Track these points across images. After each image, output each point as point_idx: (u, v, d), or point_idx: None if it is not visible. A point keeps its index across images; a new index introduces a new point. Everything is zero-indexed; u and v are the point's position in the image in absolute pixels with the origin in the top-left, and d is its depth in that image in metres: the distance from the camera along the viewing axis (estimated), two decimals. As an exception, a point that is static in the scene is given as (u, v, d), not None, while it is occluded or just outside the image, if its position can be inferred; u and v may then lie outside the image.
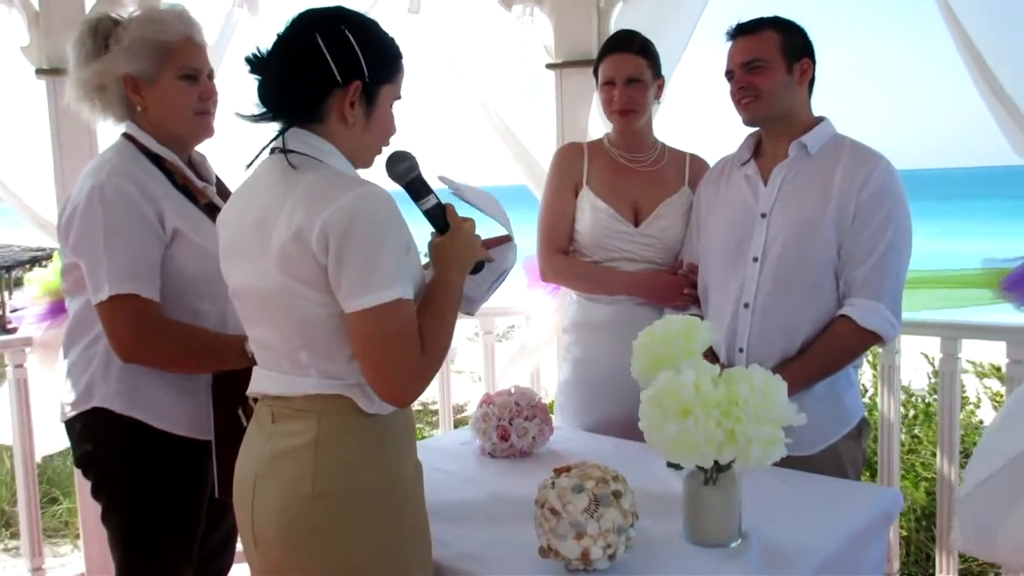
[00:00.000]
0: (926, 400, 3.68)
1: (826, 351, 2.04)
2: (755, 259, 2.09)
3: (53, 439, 2.89)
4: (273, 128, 1.46)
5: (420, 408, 5.96)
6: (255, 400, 1.52)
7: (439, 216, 1.53)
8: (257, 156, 1.48)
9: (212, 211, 1.88)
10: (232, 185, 1.99)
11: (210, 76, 1.92)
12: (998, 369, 3.61)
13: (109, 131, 1.96)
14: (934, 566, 2.75)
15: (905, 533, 3.18)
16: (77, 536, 3.45)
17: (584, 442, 2.25)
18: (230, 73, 2.74)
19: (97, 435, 1.86)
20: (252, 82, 1.46)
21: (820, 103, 2.18)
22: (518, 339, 3.41)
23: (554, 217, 2.50)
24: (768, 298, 2.07)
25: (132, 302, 1.74)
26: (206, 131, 1.92)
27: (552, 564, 1.48)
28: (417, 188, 1.53)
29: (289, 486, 1.41)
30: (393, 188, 1.47)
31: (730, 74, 2.12)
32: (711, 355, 2.11)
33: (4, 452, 4.19)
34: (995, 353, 2.90)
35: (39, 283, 2.88)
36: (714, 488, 1.54)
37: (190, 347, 1.83)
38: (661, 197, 2.41)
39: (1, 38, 2.85)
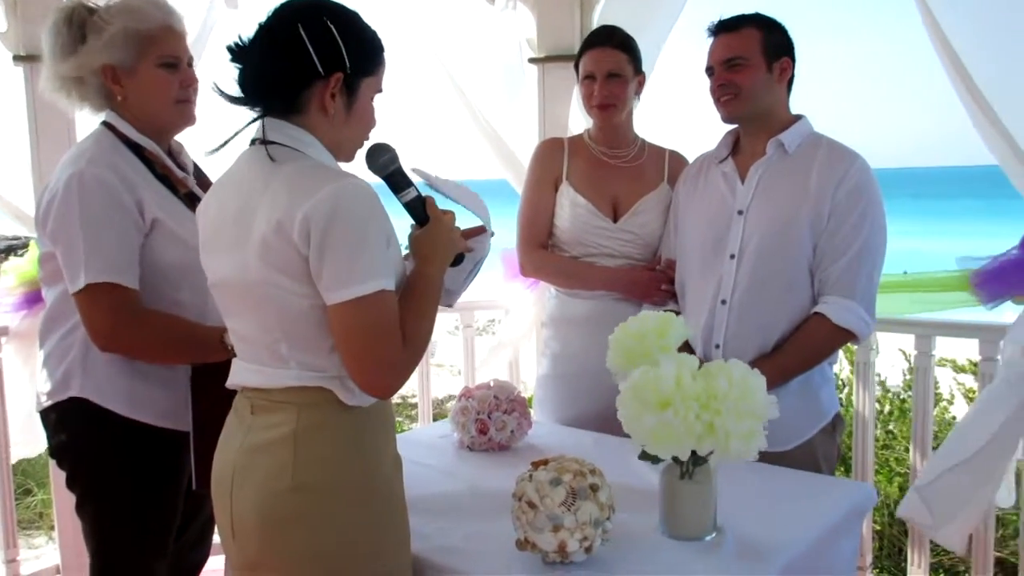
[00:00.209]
0: (901, 396, 3.73)
1: (800, 348, 2.06)
2: (732, 256, 2.11)
3: (27, 441, 2.87)
4: (250, 117, 1.46)
5: (399, 402, 5.95)
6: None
7: (419, 208, 1.53)
8: (226, 142, 1.47)
9: (192, 201, 1.87)
10: (211, 175, 1.99)
11: (189, 63, 1.90)
12: (975, 365, 3.66)
13: (87, 120, 1.94)
14: (906, 560, 2.78)
15: (879, 527, 3.23)
16: (52, 528, 3.42)
17: (562, 436, 2.26)
18: (210, 62, 2.72)
19: (73, 425, 1.85)
20: (233, 71, 1.45)
21: (798, 101, 2.20)
22: (498, 333, 3.42)
23: (534, 212, 2.51)
24: (745, 295, 2.09)
25: (110, 291, 1.73)
26: (187, 119, 1.91)
27: (529, 557, 1.49)
28: (397, 181, 1.53)
29: (268, 478, 1.41)
30: (373, 180, 1.47)
31: (710, 70, 2.13)
32: (688, 350, 2.12)
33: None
34: (970, 350, 2.94)
35: (15, 273, 2.85)
36: (690, 482, 1.56)
37: (168, 337, 1.82)
38: (640, 193, 2.43)
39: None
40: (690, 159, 2.41)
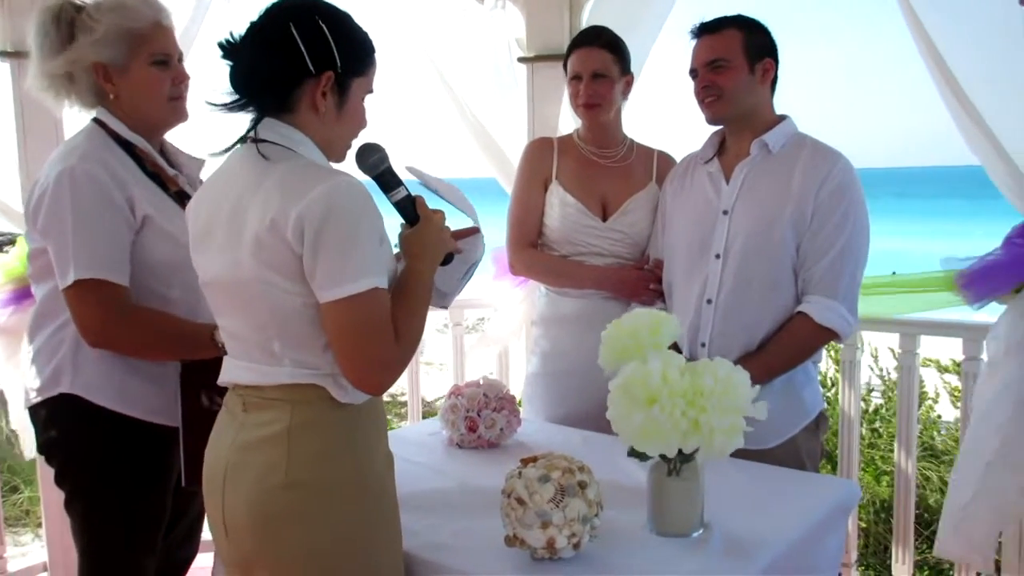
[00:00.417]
0: (887, 395, 3.76)
1: (784, 347, 2.08)
2: (717, 256, 2.13)
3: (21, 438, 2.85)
4: (244, 118, 1.46)
5: (389, 400, 5.95)
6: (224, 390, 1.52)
7: (409, 208, 1.54)
8: (232, 146, 1.48)
9: (182, 199, 1.87)
10: (202, 174, 1.99)
11: (180, 59, 1.91)
12: (958, 365, 3.70)
13: (76, 116, 1.93)
14: (891, 557, 2.81)
15: (864, 524, 3.25)
16: (38, 525, 3.41)
17: (551, 434, 2.27)
18: (200, 58, 2.72)
19: (63, 422, 1.85)
20: (224, 67, 1.45)
21: (783, 102, 2.21)
22: (486, 330, 3.43)
23: (524, 211, 2.51)
24: (730, 294, 2.11)
25: (99, 287, 1.73)
26: (179, 116, 1.91)
27: (518, 553, 1.50)
28: (387, 180, 1.54)
29: (262, 475, 1.41)
30: (364, 180, 1.48)
31: (694, 73, 2.14)
32: (675, 349, 2.14)
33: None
34: (954, 349, 2.97)
35: (2, 269, 2.84)
36: (677, 479, 1.57)
37: (158, 334, 1.82)
38: (629, 193, 2.44)
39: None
40: (678, 159, 2.43)
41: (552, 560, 1.48)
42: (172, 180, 1.90)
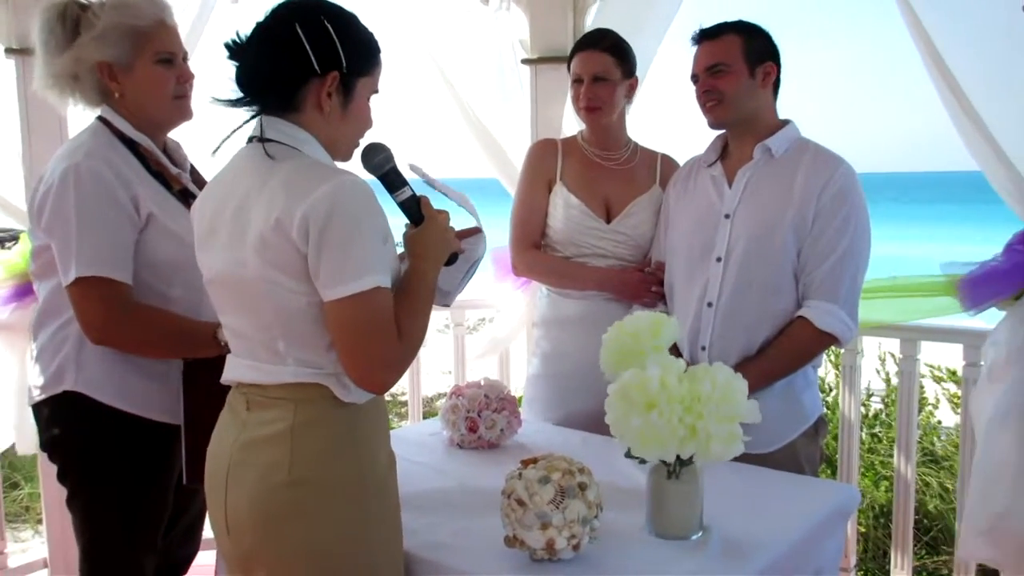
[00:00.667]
0: (886, 400, 3.77)
1: (783, 352, 2.08)
2: (719, 259, 2.13)
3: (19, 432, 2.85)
4: (247, 116, 1.47)
5: (390, 399, 5.95)
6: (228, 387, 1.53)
7: (414, 208, 1.55)
8: (224, 141, 1.48)
9: (186, 198, 1.88)
10: (206, 173, 1.99)
11: (185, 58, 1.91)
12: (954, 373, 3.70)
13: (80, 113, 1.94)
14: (890, 562, 2.81)
15: (863, 529, 3.26)
16: (39, 521, 3.42)
17: (551, 435, 2.27)
18: (205, 57, 2.72)
19: (66, 419, 1.85)
20: (229, 66, 1.46)
21: (787, 105, 2.22)
22: (488, 332, 3.43)
23: (527, 212, 2.52)
24: (730, 298, 2.11)
25: (102, 284, 1.74)
26: (184, 114, 1.92)
27: (517, 554, 1.51)
28: (392, 180, 1.54)
29: (265, 473, 1.42)
30: (369, 179, 1.49)
31: (695, 78, 2.15)
32: (675, 352, 2.14)
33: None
34: (953, 356, 2.97)
35: (3, 265, 2.84)
36: (677, 482, 1.58)
37: (161, 331, 1.82)
38: (632, 195, 2.44)
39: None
40: (682, 162, 2.43)
41: (551, 561, 1.49)
42: (175, 179, 1.91)
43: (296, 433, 1.42)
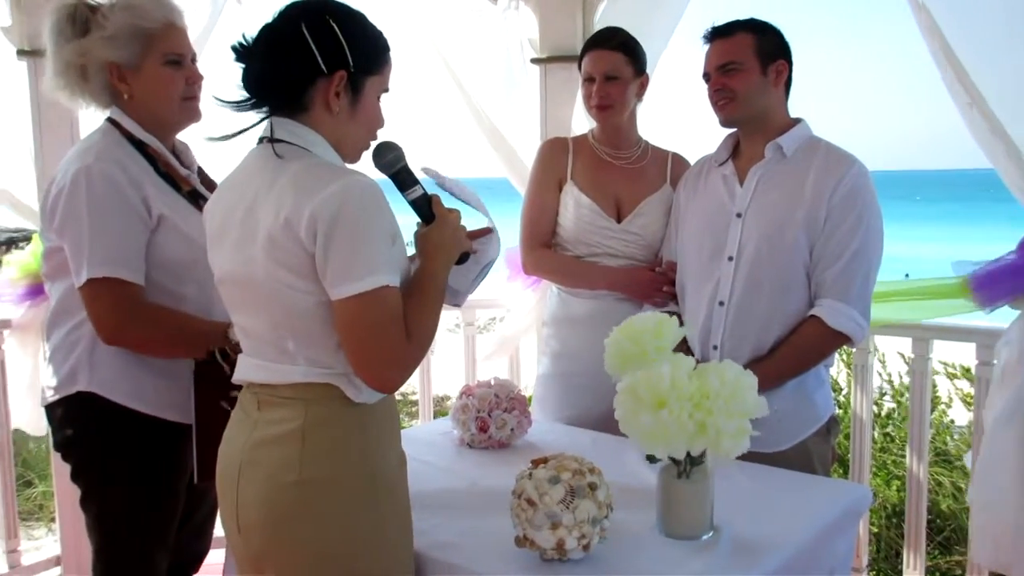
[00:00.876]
0: (899, 399, 3.74)
1: (795, 351, 2.07)
2: (730, 258, 2.12)
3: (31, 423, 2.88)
4: (254, 117, 1.47)
5: (400, 399, 5.96)
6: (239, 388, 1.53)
7: (425, 207, 1.55)
8: (233, 135, 1.48)
9: (194, 199, 1.88)
10: (214, 174, 2.00)
11: (193, 60, 1.92)
12: (968, 371, 3.68)
13: (92, 114, 1.95)
14: (903, 563, 2.80)
15: (876, 529, 3.24)
16: (52, 520, 3.44)
17: (561, 435, 2.27)
18: (213, 60, 2.73)
19: (79, 419, 1.86)
20: (237, 69, 1.46)
21: (797, 103, 2.21)
22: (498, 331, 3.43)
23: (538, 211, 2.52)
24: (742, 297, 2.10)
25: (114, 285, 1.75)
26: (193, 116, 1.92)
27: (527, 554, 1.51)
28: (403, 179, 1.54)
29: (275, 473, 1.42)
30: (380, 178, 1.49)
31: (707, 76, 2.15)
32: (686, 351, 2.14)
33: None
34: (966, 354, 2.95)
35: (17, 265, 2.87)
36: (687, 482, 1.57)
37: (172, 331, 1.83)
38: (643, 194, 2.44)
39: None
40: (693, 162, 2.43)
41: (561, 561, 1.49)
42: (184, 180, 1.91)
43: (306, 433, 1.42)
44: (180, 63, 1.87)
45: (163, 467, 1.88)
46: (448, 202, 1.58)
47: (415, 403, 4.44)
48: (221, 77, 1.49)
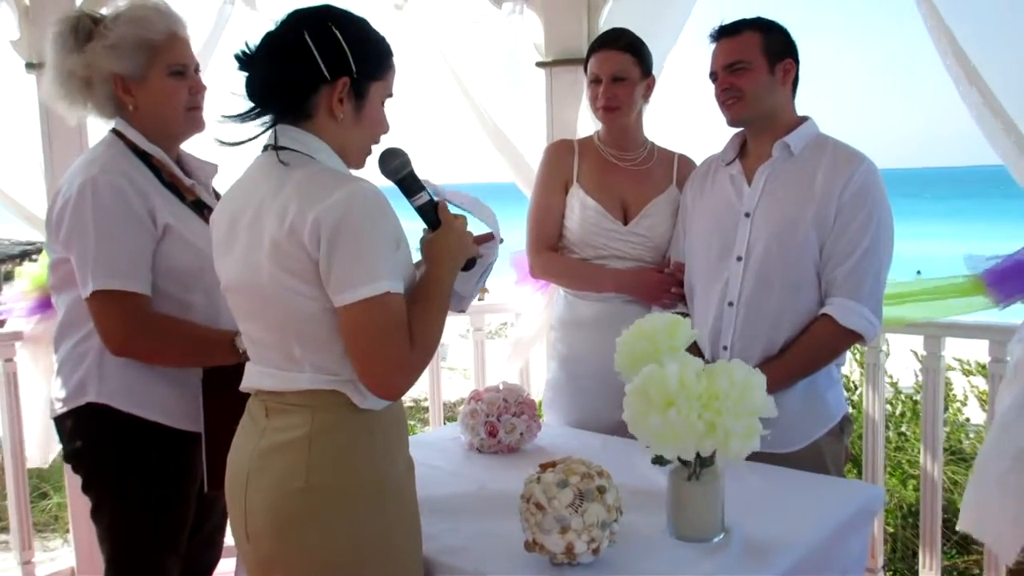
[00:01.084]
0: (914, 398, 3.72)
1: (807, 350, 2.06)
2: (739, 258, 2.11)
3: (41, 446, 2.90)
4: (259, 128, 1.47)
5: (411, 404, 5.97)
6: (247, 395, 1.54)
7: (431, 213, 1.55)
8: (241, 143, 1.49)
9: (199, 208, 1.89)
10: (220, 183, 2.01)
11: (196, 70, 1.92)
12: (983, 367, 3.65)
13: (100, 125, 1.96)
14: (919, 563, 2.77)
15: (891, 529, 3.21)
16: (67, 530, 3.45)
17: (570, 438, 2.27)
18: (217, 69, 2.74)
19: (89, 431, 1.86)
20: (241, 78, 1.47)
21: (804, 101, 2.20)
22: (509, 336, 3.42)
23: (544, 214, 2.51)
24: (751, 297, 2.09)
25: (121, 296, 1.75)
26: (197, 126, 1.93)
27: (537, 558, 1.50)
28: (409, 185, 1.55)
29: (282, 480, 1.42)
30: (385, 184, 1.49)
31: (714, 76, 2.14)
32: (696, 352, 2.13)
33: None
34: (980, 351, 2.93)
35: (29, 277, 2.88)
36: (697, 483, 1.56)
37: (180, 341, 1.84)
38: (649, 196, 2.43)
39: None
40: (699, 163, 2.42)
41: (571, 565, 1.48)
42: (189, 190, 1.92)
43: (313, 440, 1.42)
44: (184, 73, 1.88)
45: (174, 476, 1.88)
46: (454, 208, 1.58)
47: (426, 409, 4.45)
48: (227, 87, 1.50)
